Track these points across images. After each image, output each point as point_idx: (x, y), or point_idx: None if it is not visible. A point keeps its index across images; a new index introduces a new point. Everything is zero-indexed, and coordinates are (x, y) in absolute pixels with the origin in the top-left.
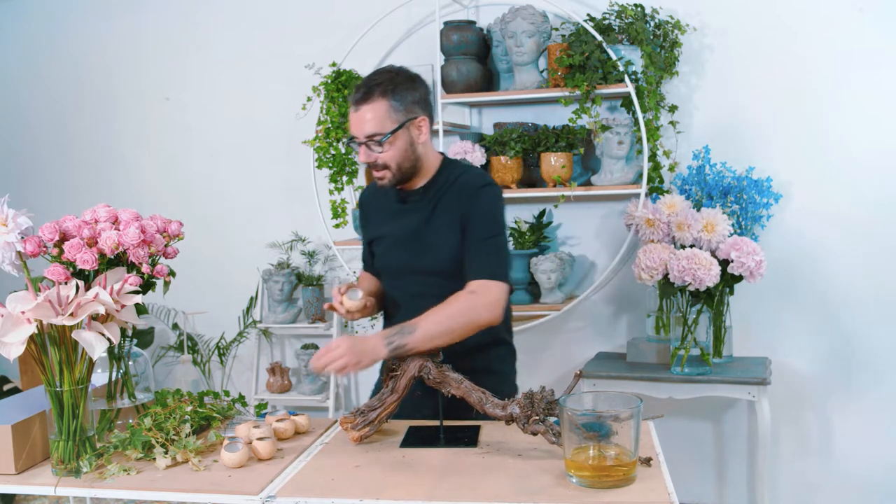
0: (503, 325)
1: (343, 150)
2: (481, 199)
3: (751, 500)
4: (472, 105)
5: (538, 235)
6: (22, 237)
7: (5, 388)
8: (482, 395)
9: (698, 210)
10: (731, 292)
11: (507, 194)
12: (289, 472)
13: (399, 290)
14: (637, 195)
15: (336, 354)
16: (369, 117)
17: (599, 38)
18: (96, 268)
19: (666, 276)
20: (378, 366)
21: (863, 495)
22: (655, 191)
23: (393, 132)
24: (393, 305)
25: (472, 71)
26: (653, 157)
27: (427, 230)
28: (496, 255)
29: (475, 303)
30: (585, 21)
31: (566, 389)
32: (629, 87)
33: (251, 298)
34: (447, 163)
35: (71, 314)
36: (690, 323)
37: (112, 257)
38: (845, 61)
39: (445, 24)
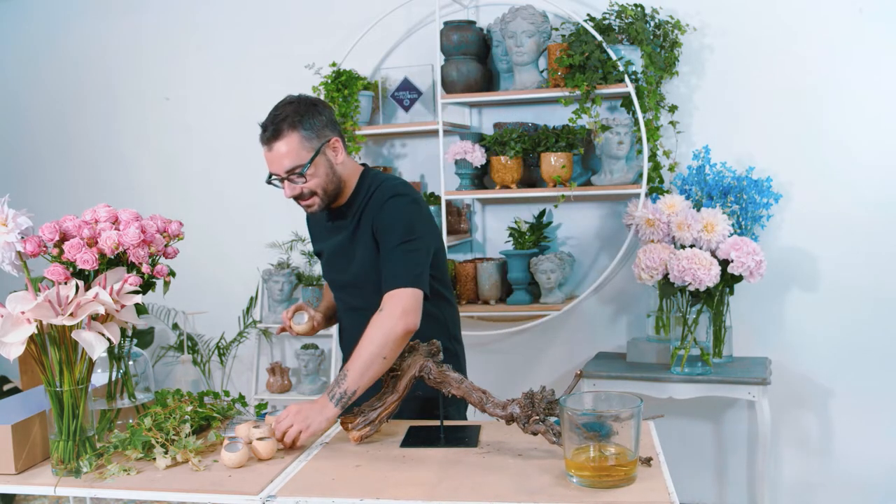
0: (443, 330)
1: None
2: (386, 211)
3: (751, 500)
4: (472, 105)
5: (538, 235)
6: (22, 237)
7: (5, 388)
8: (482, 394)
9: (698, 210)
10: (731, 292)
11: (507, 194)
12: (289, 472)
13: (340, 301)
14: (637, 195)
15: (284, 425)
16: (284, 151)
17: (599, 38)
18: (96, 268)
19: (666, 276)
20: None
21: (863, 495)
22: (655, 191)
23: (311, 161)
24: (340, 314)
25: (472, 71)
26: (653, 157)
27: (352, 245)
28: (404, 262)
29: (386, 319)
30: (585, 21)
31: (566, 389)
32: (629, 87)
33: (251, 298)
34: (365, 176)
35: (71, 314)
36: (690, 323)
37: (112, 257)
38: (845, 61)
39: (445, 24)
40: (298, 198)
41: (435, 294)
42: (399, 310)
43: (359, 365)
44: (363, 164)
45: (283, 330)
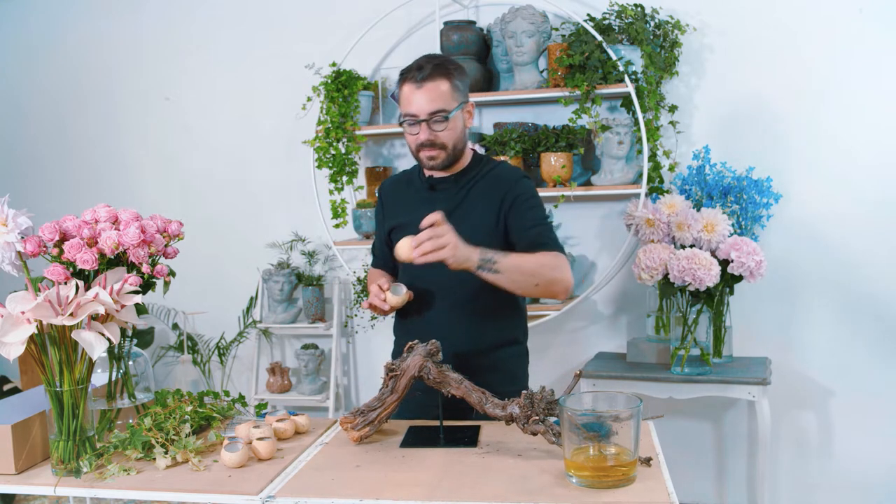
0: (519, 324)
1: (343, 150)
2: (525, 188)
3: (751, 500)
4: None
5: None
6: (22, 237)
7: (5, 388)
8: (482, 395)
9: (698, 210)
10: (731, 292)
11: None
12: (289, 472)
13: (420, 279)
14: (637, 195)
15: (442, 242)
16: (436, 94)
17: (599, 38)
18: (96, 268)
19: (666, 276)
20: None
21: (863, 495)
22: (655, 191)
23: (456, 110)
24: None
25: (472, 71)
26: (653, 157)
27: (458, 215)
28: (552, 233)
29: (563, 266)
30: (585, 21)
31: (566, 389)
32: (629, 87)
33: (251, 298)
34: (478, 156)
35: (71, 314)
36: (690, 323)
37: (112, 257)
38: (845, 61)
39: (445, 24)
40: (429, 145)
41: None
42: (567, 274)
43: (522, 263)
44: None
45: (370, 306)
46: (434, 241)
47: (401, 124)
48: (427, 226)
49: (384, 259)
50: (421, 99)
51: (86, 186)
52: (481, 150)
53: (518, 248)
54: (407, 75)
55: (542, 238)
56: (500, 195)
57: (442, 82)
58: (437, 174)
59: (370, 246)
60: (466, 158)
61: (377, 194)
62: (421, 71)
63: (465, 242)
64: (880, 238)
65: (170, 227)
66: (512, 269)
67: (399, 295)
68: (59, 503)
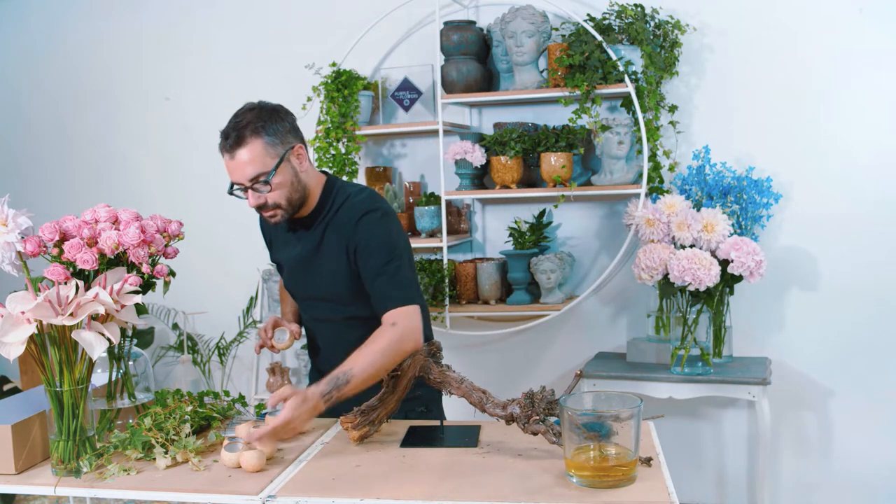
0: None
1: (343, 150)
2: (363, 230)
3: (751, 500)
4: (472, 105)
5: (538, 235)
6: (22, 237)
7: (5, 388)
8: (482, 394)
9: (698, 210)
10: (731, 292)
11: (507, 194)
12: (289, 472)
13: (305, 312)
14: (637, 195)
15: (289, 432)
16: (247, 159)
17: (599, 38)
18: (96, 268)
19: (666, 276)
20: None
21: (863, 495)
22: (655, 191)
23: (276, 168)
24: (306, 324)
25: (472, 71)
26: (653, 157)
27: (316, 258)
28: (399, 281)
29: (399, 336)
30: (585, 21)
31: (566, 389)
32: (629, 87)
33: (251, 298)
34: (330, 186)
35: (71, 314)
36: (690, 323)
37: (112, 257)
38: (845, 61)
39: (445, 24)
40: (262, 208)
41: None
42: (413, 325)
43: (366, 371)
44: (324, 172)
45: (262, 347)
46: (285, 431)
47: (230, 193)
48: (274, 404)
49: None
50: (235, 169)
51: (86, 186)
52: (482, 151)
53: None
54: (220, 145)
55: (385, 291)
56: (344, 242)
57: (252, 145)
58: (296, 215)
59: None
60: (314, 198)
61: (258, 220)
62: (227, 139)
63: (306, 409)
64: (880, 238)
65: (170, 227)
66: (360, 385)
67: (283, 341)
68: (59, 503)
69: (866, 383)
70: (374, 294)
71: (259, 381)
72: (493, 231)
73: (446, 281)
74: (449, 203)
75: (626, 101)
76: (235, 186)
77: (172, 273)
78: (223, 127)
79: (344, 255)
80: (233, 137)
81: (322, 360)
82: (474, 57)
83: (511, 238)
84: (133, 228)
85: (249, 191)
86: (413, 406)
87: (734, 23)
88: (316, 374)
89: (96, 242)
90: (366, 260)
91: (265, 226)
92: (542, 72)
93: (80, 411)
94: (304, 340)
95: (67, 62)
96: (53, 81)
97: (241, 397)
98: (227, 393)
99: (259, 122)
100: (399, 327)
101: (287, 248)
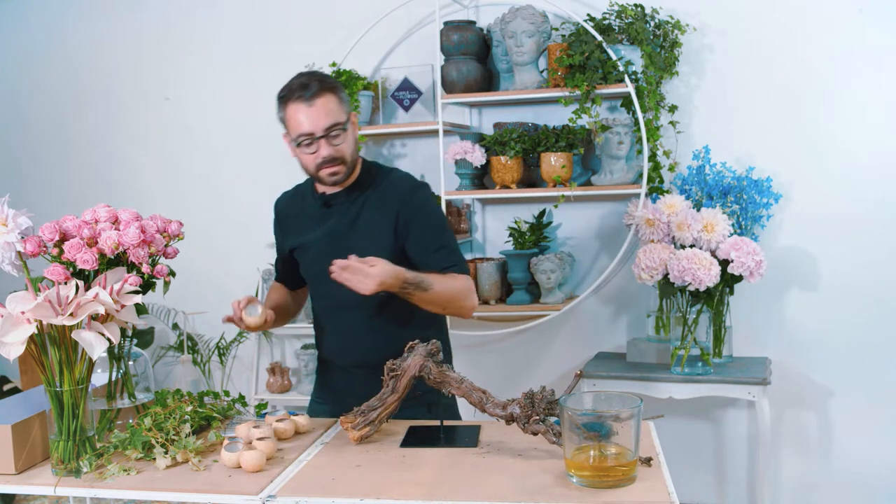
0: (433, 325)
1: None
2: (419, 203)
3: (751, 500)
4: (472, 105)
5: (538, 235)
6: (22, 237)
7: (5, 388)
8: (482, 394)
9: (698, 210)
10: (731, 292)
11: (507, 194)
12: (289, 472)
13: (325, 300)
14: (637, 195)
15: (361, 283)
16: (326, 109)
17: (599, 38)
18: (96, 268)
19: (666, 276)
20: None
21: (863, 495)
22: (655, 191)
23: (348, 122)
24: (321, 313)
25: (472, 71)
26: (653, 157)
27: (353, 233)
28: (459, 254)
29: (470, 288)
30: (585, 21)
31: (566, 389)
32: (629, 87)
33: None
34: (368, 164)
35: (71, 314)
36: (690, 323)
37: (112, 257)
38: (845, 61)
39: (445, 24)
40: (329, 162)
41: None
42: (473, 290)
43: (437, 295)
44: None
45: (230, 320)
46: (362, 277)
47: (298, 146)
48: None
49: (286, 275)
50: (314, 116)
51: (86, 186)
52: (482, 151)
53: (422, 269)
54: (291, 95)
55: (450, 262)
56: (394, 209)
57: (330, 97)
58: (330, 190)
59: None
60: (357, 170)
61: (273, 211)
62: (307, 89)
63: (392, 270)
64: (880, 238)
65: (170, 227)
66: (434, 294)
67: (254, 315)
68: (59, 503)
69: (866, 383)
70: (441, 261)
71: (259, 381)
72: (493, 231)
73: None
74: (449, 203)
75: (626, 101)
76: (304, 138)
77: (172, 273)
78: (290, 82)
79: (390, 226)
80: (314, 87)
81: (338, 351)
82: (474, 57)
83: (511, 238)
84: (133, 228)
85: (322, 140)
86: (436, 398)
87: (734, 23)
88: (326, 368)
89: (96, 242)
90: (422, 231)
91: (284, 207)
92: (542, 72)
93: (80, 411)
94: (290, 333)
95: (67, 62)
96: (53, 81)
97: (241, 397)
98: (227, 393)
99: (332, 80)
100: (470, 283)
101: (314, 228)
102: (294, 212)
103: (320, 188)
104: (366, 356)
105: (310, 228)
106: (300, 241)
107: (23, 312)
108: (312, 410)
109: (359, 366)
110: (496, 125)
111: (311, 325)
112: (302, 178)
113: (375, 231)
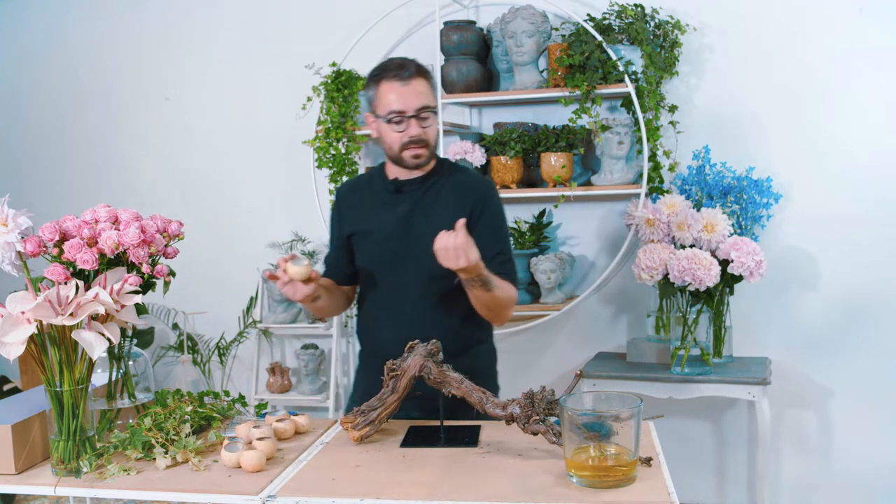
0: (490, 327)
1: (343, 150)
2: (495, 201)
3: (751, 500)
4: (472, 105)
5: (538, 235)
6: (22, 237)
7: (5, 388)
8: (482, 394)
9: (698, 210)
10: (731, 292)
11: (507, 194)
12: (289, 472)
13: (386, 285)
14: (637, 195)
15: (464, 256)
16: (421, 90)
17: (599, 38)
18: (96, 268)
19: (666, 276)
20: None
21: (863, 495)
22: (655, 191)
23: (436, 108)
24: (378, 302)
25: (472, 71)
26: (653, 157)
27: (426, 219)
28: (513, 263)
29: (514, 302)
30: (585, 21)
31: (566, 389)
32: (629, 87)
33: (251, 298)
34: (441, 158)
35: (71, 314)
36: (690, 323)
37: (112, 257)
38: (845, 61)
39: (445, 24)
40: (416, 143)
41: None
42: (514, 303)
43: (497, 297)
44: None
45: (272, 277)
46: (460, 251)
47: (388, 122)
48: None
49: (337, 268)
50: (408, 95)
51: (86, 186)
52: (482, 151)
53: None
54: (386, 74)
55: (506, 270)
56: (470, 202)
57: (425, 81)
58: (403, 175)
59: None
60: (433, 160)
61: (334, 198)
62: (405, 69)
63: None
64: (880, 238)
65: (170, 227)
66: (492, 296)
67: (299, 265)
68: (59, 503)
69: (866, 383)
70: (497, 267)
71: (259, 381)
72: None
73: None
74: None
75: (626, 101)
76: (395, 115)
77: (172, 273)
78: (384, 63)
79: (465, 213)
80: (411, 69)
81: (393, 342)
82: (474, 57)
83: (511, 238)
84: (133, 228)
85: (412, 120)
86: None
87: (734, 23)
88: (372, 365)
89: (96, 242)
90: (488, 232)
91: (345, 195)
92: (542, 72)
93: (80, 411)
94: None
95: (67, 62)
96: (53, 81)
97: (241, 397)
98: (227, 393)
99: (426, 68)
100: (516, 296)
101: (381, 212)
102: (357, 198)
103: (392, 174)
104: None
105: (376, 213)
106: (363, 227)
107: (23, 312)
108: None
109: None
110: (496, 125)
111: (311, 325)
112: (301, 180)
113: (449, 220)
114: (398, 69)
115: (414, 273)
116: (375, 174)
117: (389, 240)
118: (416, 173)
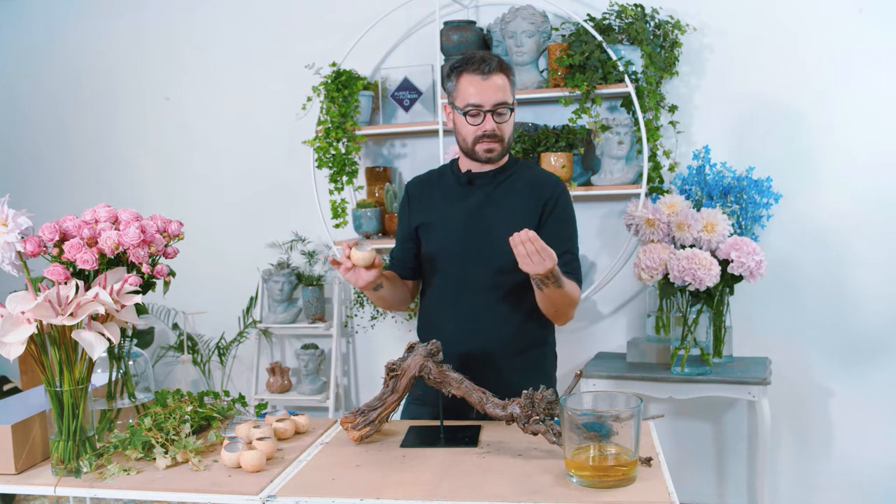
0: (550, 324)
1: (343, 150)
2: (568, 200)
3: (751, 500)
4: None
5: None
6: (22, 237)
7: (5, 388)
8: (482, 394)
9: (698, 210)
10: (731, 292)
11: None
12: (289, 472)
13: (452, 277)
14: (637, 195)
15: (549, 259)
16: (501, 84)
17: (599, 38)
18: (96, 268)
19: (666, 276)
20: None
21: (863, 495)
22: (655, 191)
23: (514, 106)
24: (441, 295)
25: None
26: (653, 157)
27: (497, 212)
28: (579, 262)
29: (578, 302)
30: (585, 21)
31: (566, 389)
32: (629, 87)
33: (251, 298)
34: (513, 156)
35: (71, 314)
36: (690, 323)
37: (112, 257)
38: (845, 61)
39: (445, 24)
40: (490, 137)
41: None
42: (578, 303)
43: (565, 294)
44: None
45: (335, 263)
46: (535, 259)
47: (465, 115)
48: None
49: (401, 261)
50: (487, 90)
51: (86, 186)
52: None
53: None
54: (467, 67)
55: (572, 269)
56: (543, 197)
57: (505, 77)
58: (476, 168)
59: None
60: (505, 156)
61: (404, 192)
62: (487, 63)
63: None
64: (880, 238)
65: (170, 227)
66: (561, 294)
67: (363, 251)
68: (59, 503)
69: (866, 383)
70: (563, 265)
71: (259, 381)
72: None
73: None
74: None
75: (626, 101)
76: (472, 108)
77: (172, 273)
78: (467, 55)
79: (536, 212)
80: (493, 63)
81: (456, 336)
82: None
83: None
84: (133, 228)
85: (489, 115)
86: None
87: (734, 23)
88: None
89: (96, 242)
90: (558, 230)
91: (416, 189)
92: (542, 72)
93: (80, 411)
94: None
95: (67, 62)
96: (53, 81)
97: (241, 397)
98: (227, 393)
99: (508, 64)
100: (580, 296)
101: (451, 204)
102: (427, 190)
103: (464, 166)
104: (487, 343)
105: (446, 204)
106: (432, 218)
107: (23, 312)
108: (410, 413)
109: (476, 354)
110: None
111: (311, 325)
112: (301, 180)
113: (521, 214)
114: (480, 62)
115: (481, 265)
116: (447, 167)
117: (459, 230)
118: (489, 166)
